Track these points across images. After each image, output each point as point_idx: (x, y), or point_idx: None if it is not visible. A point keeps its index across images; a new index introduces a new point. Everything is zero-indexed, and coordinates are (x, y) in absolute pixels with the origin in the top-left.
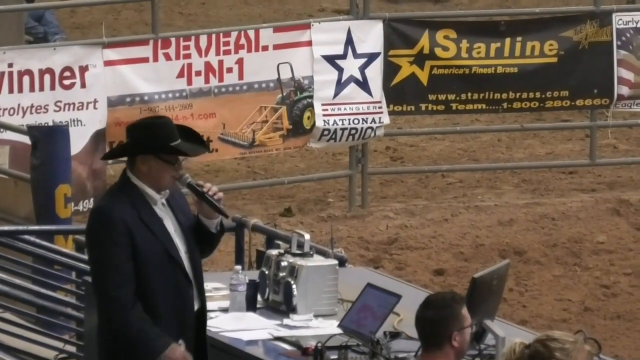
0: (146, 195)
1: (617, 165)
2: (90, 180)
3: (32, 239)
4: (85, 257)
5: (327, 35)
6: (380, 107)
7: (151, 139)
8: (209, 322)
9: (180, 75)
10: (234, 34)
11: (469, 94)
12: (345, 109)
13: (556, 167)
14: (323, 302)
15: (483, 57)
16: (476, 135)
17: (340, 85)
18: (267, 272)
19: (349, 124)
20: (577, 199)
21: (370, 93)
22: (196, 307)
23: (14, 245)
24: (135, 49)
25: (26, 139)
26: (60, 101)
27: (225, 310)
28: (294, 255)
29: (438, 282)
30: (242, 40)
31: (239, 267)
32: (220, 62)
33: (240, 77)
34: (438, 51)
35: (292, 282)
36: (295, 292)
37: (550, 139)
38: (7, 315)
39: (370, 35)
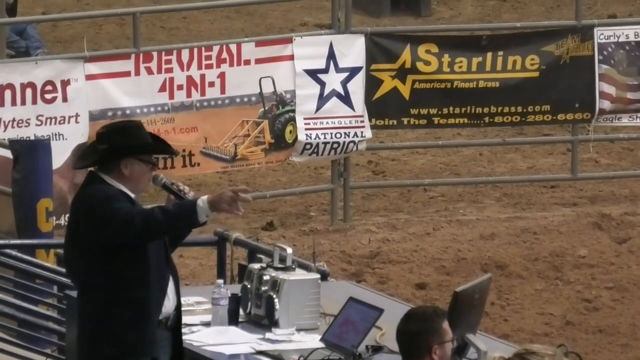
0: (127, 194)
1: (598, 179)
2: (71, 194)
3: (14, 252)
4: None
5: (309, 50)
6: (362, 121)
7: (132, 141)
8: (190, 336)
9: (162, 89)
10: (216, 48)
11: (451, 108)
12: (327, 122)
13: (538, 181)
14: (305, 316)
15: (465, 71)
16: (458, 150)
17: (322, 100)
18: (249, 286)
19: (331, 138)
20: (559, 213)
21: (352, 107)
22: (176, 301)
23: None
24: (117, 63)
25: (8, 153)
26: (42, 115)
27: (207, 324)
28: (276, 269)
29: (420, 296)
30: (224, 55)
31: (220, 281)
32: (202, 76)
33: (222, 91)
34: (420, 65)
35: (275, 296)
36: (277, 306)
37: (532, 153)
38: None
39: (352, 50)
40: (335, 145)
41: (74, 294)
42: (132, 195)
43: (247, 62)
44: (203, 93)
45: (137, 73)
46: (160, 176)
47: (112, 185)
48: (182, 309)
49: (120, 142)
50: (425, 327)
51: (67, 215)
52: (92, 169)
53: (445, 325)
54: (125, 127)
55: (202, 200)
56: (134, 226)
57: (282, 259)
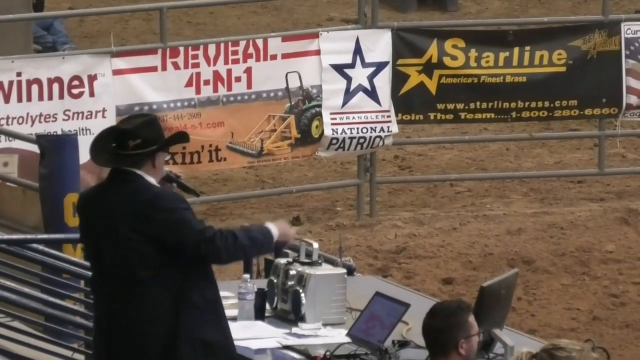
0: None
1: (625, 174)
2: None
3: (41, 247)
4: None
5: (335, 45)
6: (388, 116)
7: (162, 135)
8: None
9: (189, 84)
10: (243, 43)
11: (478, 103)
12: (353, 117)
13: (565, 176)
14: (331, 311)
15: (492, 66)
16: (484, 145)
17: (348, 94)
18: (275, 281)
19: (358, 133)
20: (586, 208)
21: (378, 102)
22: None
23: (23, 254)
24: (143, 58)
25: (35, 148)
26: (69, 110)
27: (233, 319)
28: (303, 264)
29: (446, 291)
30: (251, 50)
31: (247, 275)
32: (229, 71)
33: (249, 86)
34: (446, 60)
35: (301, 290)
36: (303, 301)
37: (559, 148)
38: (16, 324)
39: (379, 45)
40: (361, 140)
41: None
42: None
43: (274, 57)
44: (230, 88)
45: (164, 68)
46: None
47: (146, 179)
48: None
49: (153, 136)
50: (450, 323)
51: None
52: None
53: (471, 318)
54: (152, 121)
55: (274, 230)
56: (214, 247)
57: (309, 254)
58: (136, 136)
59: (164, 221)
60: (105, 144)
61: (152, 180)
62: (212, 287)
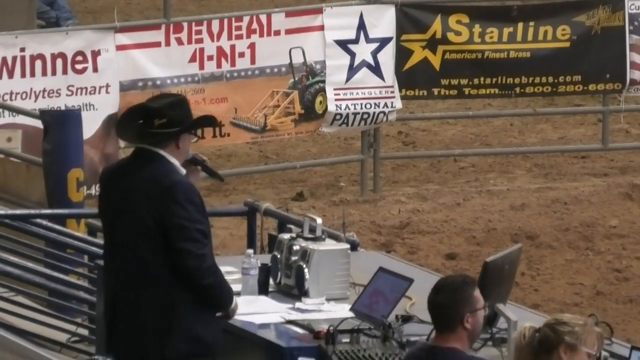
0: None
1: (629, 149)
2: (102, 164)
3: (45, 222)
4: (98, 241)
5: (339, 20)
6: (392, 92)
7: (190, 116)
8: None
9: (193, 59)
10: (246, 19)
11: (482, 79)
12: (357, 93)
13: (568, 151)
14: (335, 286)
15: (495, 41)
16: (488, 120)
17: (352, 70)
18: (279, 256)
19: (361, 108)
20: (589, 183)
21: (382, 78)
22: None
23: (27, 229)
24: (147, 33)
25: (38, 124)
26: (72, 86)
27: (237, 294)
28: (306, 239)
29: (450, 267)
30: (254, 25)
31: (251, 251)
32: (232, 47)
33: (252, 61)
34: (450, 36)
35: (304, 266)
36: (307, 276)
37: (563, 123)
38: (20, 299)
39: (383, 20)
40: (365, 116)
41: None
42: (183, 171)
43: (277, 33)
44: (233, 64)
45: (168, 44)
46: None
47: (168, 160)
48: None
49: (179, 117)
50: (455, 298)
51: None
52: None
53: (476, 292)
54: (180, 102)
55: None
56: (202, 274)
57: (312, 229)
58: (162, 115)
59: (174, 215)
60: (132, 120)
61: (175, 161)
62: None
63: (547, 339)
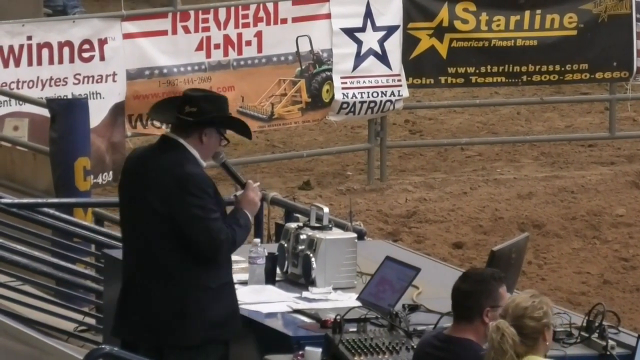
0: (199, 162)
1: (636, 138)
2: (109, 153)
3: (52, 211)
4: (105, 229)
5: (346, 8)
6: (399, 80)
7: (220, 112)
8: None
9: (199, 48)
10: (253, 7)
11: (489, 67)
12: (364, 82)
13: (575, 140)
14: (342, 275)
15: (502, 30)
16: (495, 109)
17: (359, 58)
18: (286, 245)
19: (368, 97)
20: (596, 172)
21: (389, 66)
22: None
23: (34, 218)
24: (154, 21)
25: (45, 112)
26: (79, 74)
27: (244, 283)
28: (313, 228)
29: (457, 255)
30: (261, 13)
31: (257, 240)
32: (239, 35)
33: (259, 50)
34: (457, 24)
35: (311, 255)
36: (314, 265)
37: (570, 112)
38: (27, 288)
39: (390, 8)
40: (372, 105)
41: (112, 252)
42: (203, 163)
43: (284, 21)
44: (240, 52)
45: (174, 32)
46: (222, 154)
47: (188, 150)
48: None
49: (209, 110)
50: (479, 288)
51: (105, 174)
52: (166, 131)
53: (502, 290)
54: (216, 98)
55: (250, 214)
56: (221, 250)
57: (319, 218)
58: (194, 104)
59: (185, 205)
60: (169, 103)
61: (196, 154)
62: (228, 266)
63: (535, 329)
